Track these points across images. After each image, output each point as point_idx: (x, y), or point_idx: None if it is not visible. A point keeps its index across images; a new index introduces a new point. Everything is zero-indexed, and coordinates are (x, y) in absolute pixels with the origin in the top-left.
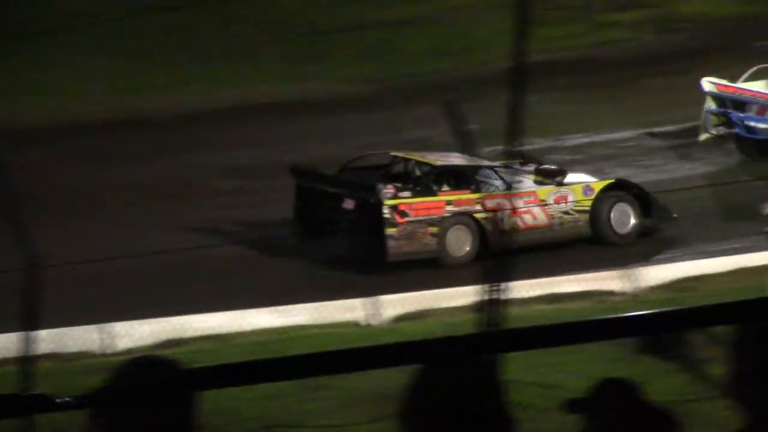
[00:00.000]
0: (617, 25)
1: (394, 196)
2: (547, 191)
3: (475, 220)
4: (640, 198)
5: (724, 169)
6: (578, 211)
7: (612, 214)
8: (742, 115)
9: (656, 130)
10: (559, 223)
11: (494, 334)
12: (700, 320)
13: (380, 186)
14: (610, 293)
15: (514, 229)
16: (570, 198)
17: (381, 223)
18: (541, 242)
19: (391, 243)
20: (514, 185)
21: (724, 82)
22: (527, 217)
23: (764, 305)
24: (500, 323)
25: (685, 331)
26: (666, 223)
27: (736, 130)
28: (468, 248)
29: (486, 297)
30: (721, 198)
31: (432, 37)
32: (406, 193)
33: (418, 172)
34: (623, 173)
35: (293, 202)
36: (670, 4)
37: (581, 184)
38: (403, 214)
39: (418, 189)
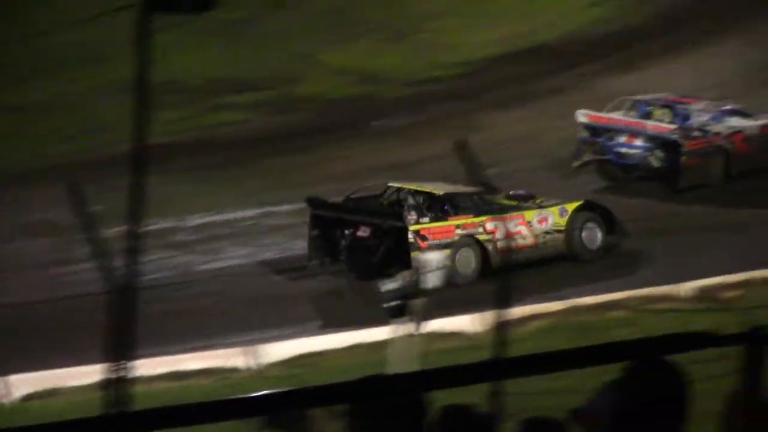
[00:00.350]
0: (236, 106)
1: (417, 222)
2: (532, 213)
3: (478, 241)
4: (605, 217)
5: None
6: (557, 231)
7: (583, 233)
8: (611, 143)
9: (275, 209)
10: (543, 242)
11: (119, 416)
12: (318, 400)
13: (405, 213)
14: (234, 370)
15: (511, 249)
16: (550, 219)
17: (408, 247)
18: (529, 260)
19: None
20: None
21: (596, 113)
22: (518, 238)
23: (375, 384)
24: (126, 402)
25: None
26: (624, 239)
27: (608, 156)
28: (473, 267)
29: (112, 376)
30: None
31: (58, 120)
32: (425, 219)
33: (412, 201)
34: (244, 252)
35: (308, 231)
36: (287, 86)
37: (558, 206)
38: (423, 238)
39: (437, 215)
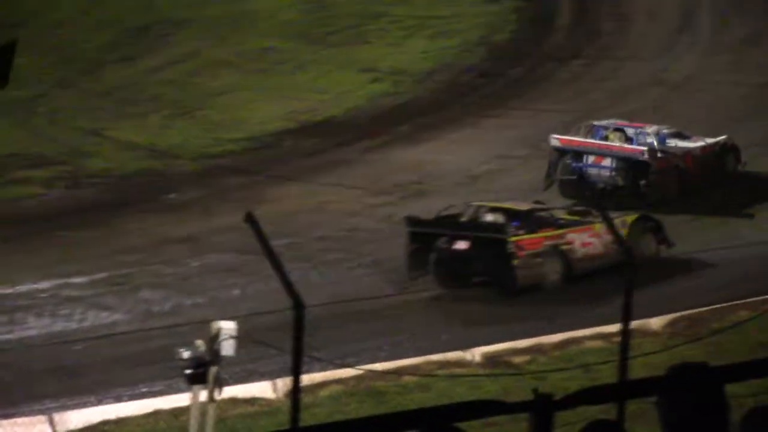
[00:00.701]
0: (30, 181)
1: (515, 234)
2: (600, 226)
3: (562, 251)
4: (657, 229)
5: (132, 318)
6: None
7: (641, 243)
8: (578, 164)
9: (71, 281)
10: (610, 252)
11: None
12: None
13: (507, 226)
14: None
15: (589, 257)
16: None
17: (510, 256)
18: (599, 267)
19: (517, 272)
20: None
21: (566, 136)
22: (591, 248)
23: None
24: None
25: None
26: (672, 248)
27: (576, 176)
28: (559, 274)
29: None
30: (129, 343)
31: None
32: (521, 231)
33: (490, 218)
34: (44, 323)
35: (406, 247)
36: (79, 161)
37: (619, 219)
38: (521, 248)
39: (528, 228)
